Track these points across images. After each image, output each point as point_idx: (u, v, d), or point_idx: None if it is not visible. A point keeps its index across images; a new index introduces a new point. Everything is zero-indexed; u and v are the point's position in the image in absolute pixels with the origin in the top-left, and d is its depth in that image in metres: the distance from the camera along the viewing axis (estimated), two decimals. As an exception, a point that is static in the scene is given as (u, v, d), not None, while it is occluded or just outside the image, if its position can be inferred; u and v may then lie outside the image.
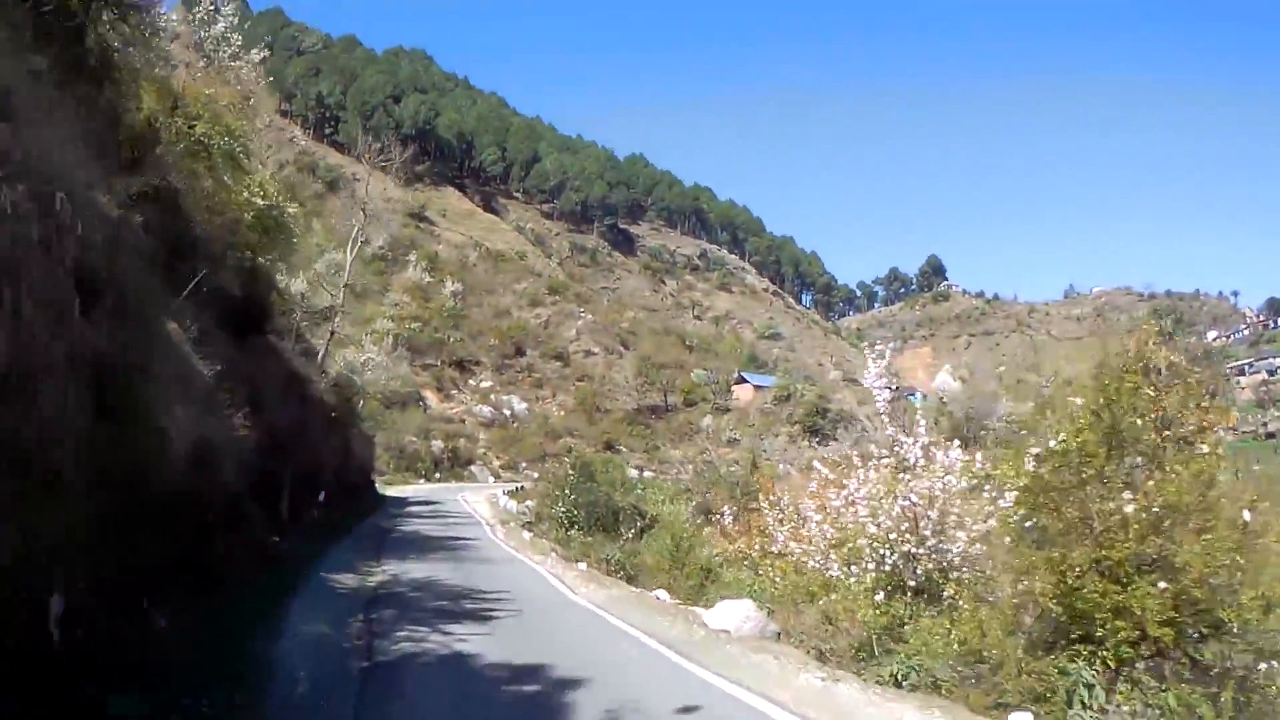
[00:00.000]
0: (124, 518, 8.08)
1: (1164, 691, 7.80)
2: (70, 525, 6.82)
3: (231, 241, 21.29)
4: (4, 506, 6.00)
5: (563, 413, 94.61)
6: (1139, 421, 8.91)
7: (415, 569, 17.61)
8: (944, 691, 9.22)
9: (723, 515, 19.60)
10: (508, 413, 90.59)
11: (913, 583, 12.16)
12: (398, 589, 15.24)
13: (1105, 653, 8.21)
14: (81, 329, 7.63)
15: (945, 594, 11.62)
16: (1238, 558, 8.04)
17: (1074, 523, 8.76)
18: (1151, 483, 8.54)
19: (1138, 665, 8.13)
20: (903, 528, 12.24)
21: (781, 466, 77.89)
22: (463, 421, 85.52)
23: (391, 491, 51.93)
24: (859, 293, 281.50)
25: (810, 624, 12.18)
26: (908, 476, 12.62)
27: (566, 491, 29.25)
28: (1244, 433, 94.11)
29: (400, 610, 13.08)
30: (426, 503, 43.33)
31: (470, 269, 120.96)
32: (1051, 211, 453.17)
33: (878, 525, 12.55)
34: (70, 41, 13.58)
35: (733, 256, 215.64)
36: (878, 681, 9.61)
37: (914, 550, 12.14)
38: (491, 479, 76.08)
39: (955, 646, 9.79)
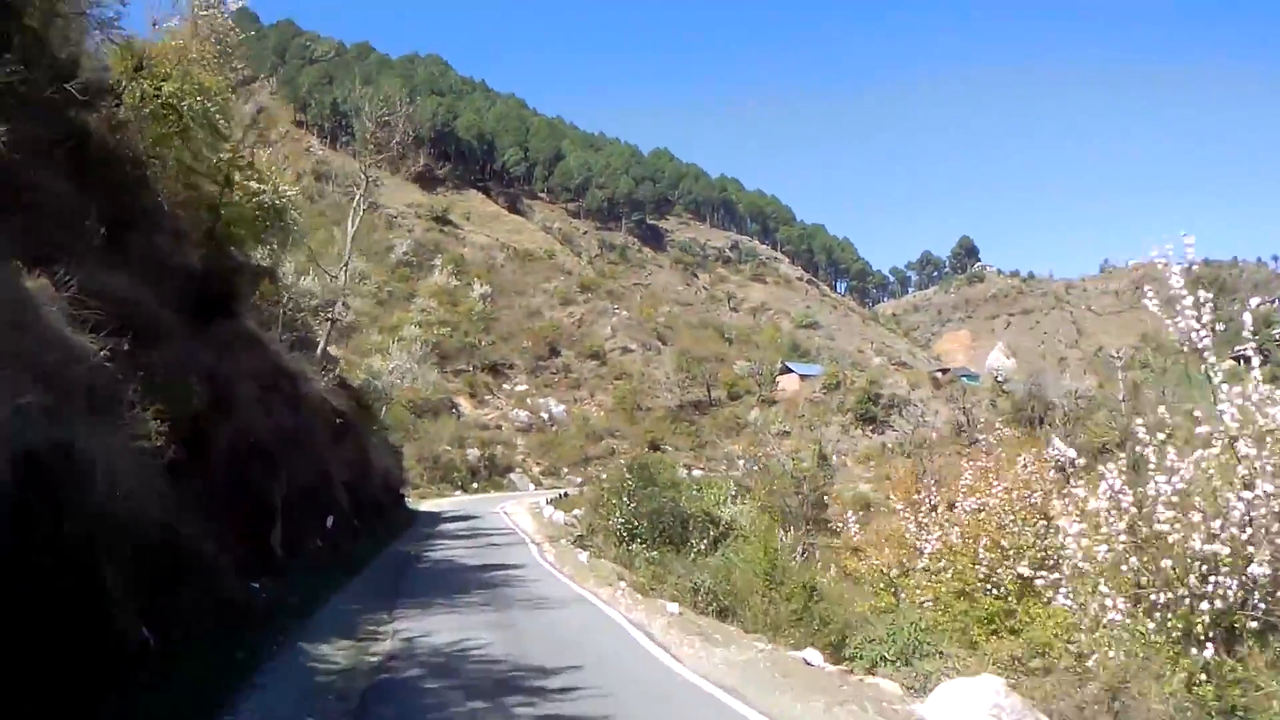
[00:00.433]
0: None
1: None
2: None
3: (202, 213, 17.18)
4: None
5: (602, 413, 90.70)
6: None
7: (441, 626, 12.69)
8: None
9: (847, 522, 14.48)
10: (545, 416, 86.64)
11: (1254, 624, 7.51)
12: (409, 671, 10.15)
13: None
14: None
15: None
16: None
17: None
18: None
19: None
20: (1244, 536, 7.55)
21: (835, 458, 73.44)
22: (499, 428, 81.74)
23: (425, 506, 47.76)
24: (892, 278, 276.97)
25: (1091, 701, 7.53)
26: (1259, 452, 7.86)
27: (624, 499, 24.54)
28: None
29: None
30: (463, 518, 38.97)
31: (498, 270, 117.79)
32: (1083, 185, 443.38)
33: (1206, 533, 7.76)
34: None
35: (764, 247, 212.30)
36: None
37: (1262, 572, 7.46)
38: (532, 486, 72.16)
39: None
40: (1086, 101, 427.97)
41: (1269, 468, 7.66)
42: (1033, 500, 12.51)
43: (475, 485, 67.63)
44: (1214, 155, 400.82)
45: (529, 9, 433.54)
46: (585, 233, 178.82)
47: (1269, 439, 7.82)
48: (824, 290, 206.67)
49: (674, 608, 14.22)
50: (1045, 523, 12.31)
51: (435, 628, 12.61)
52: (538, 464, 79.10)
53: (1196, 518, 7.73)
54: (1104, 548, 8.30)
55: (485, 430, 78.92)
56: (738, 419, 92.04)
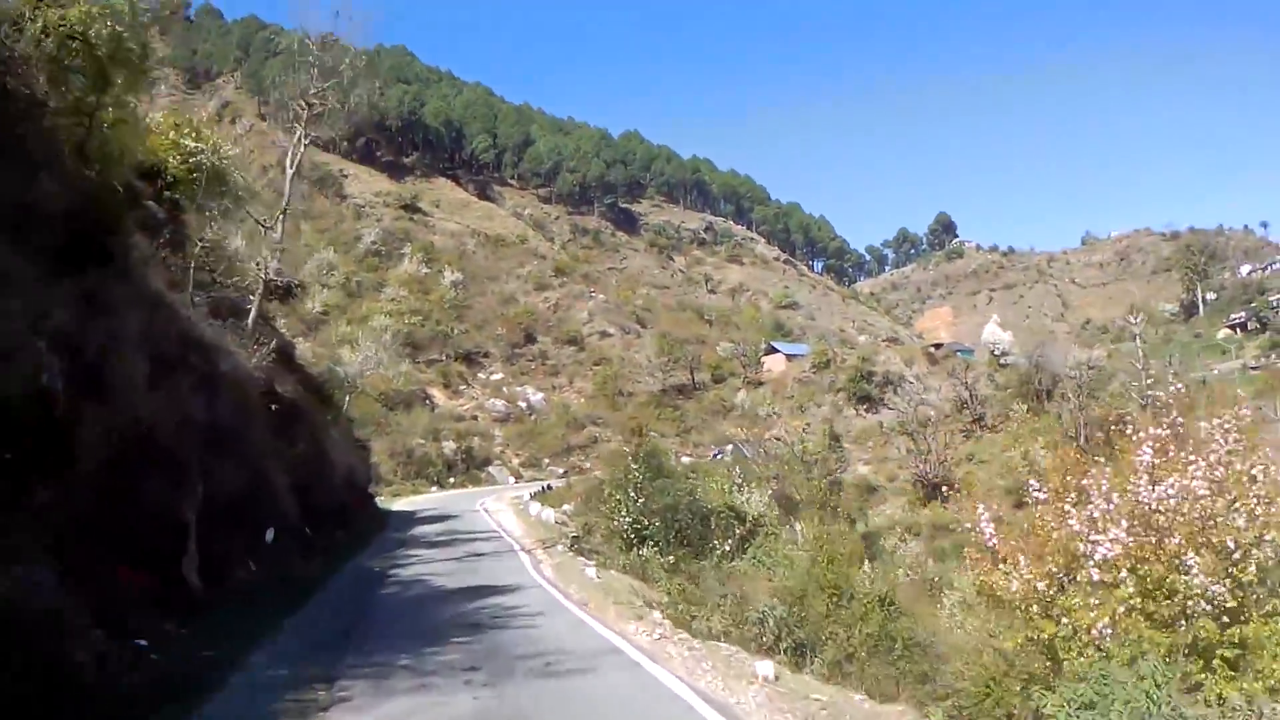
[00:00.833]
0: None
1: None
2: None
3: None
4: None
5: (583, 400, 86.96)
6: None
7: (407, 714, 8.49)
8: None
9: (980, 523, 10.33)
10: (523, 405, 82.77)
11: None
12: None
13: None
14: None
15: None
16: None
17: None
18: None
19: None
20: None
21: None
22: (475, 419, 77.80)
23: (398, 505, 43.76)
24: (868, 257, 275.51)
25: None
26: None
27: (630, 493, 20.44)
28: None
29: None
30: (439, 518, 34.89)
31: (469, 257, 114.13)
32: (1061, 158, 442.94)
33: None
34: None
35: (739, 227, 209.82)
36: None
37: None
38: (512, 479, 68.45)
39: None
40: (1061, 74, 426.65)
41: None
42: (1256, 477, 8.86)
43: (452, 480, 63.85)
44: (1193, 124, 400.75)
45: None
46: (557, 218, 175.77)
47: None
48: (801, 270, 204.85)
49: (766, 668, 9.68)
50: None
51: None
52: (517, 455, 75.46)
53: None
54: None
55: (461, 422, 75.12)
56: (724, 402, 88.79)
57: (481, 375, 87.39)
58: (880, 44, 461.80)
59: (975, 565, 9.81)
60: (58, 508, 8.70)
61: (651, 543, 19.06)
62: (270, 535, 16.10)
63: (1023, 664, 8.85)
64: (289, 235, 32.30)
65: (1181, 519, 8.62)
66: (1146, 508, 8.77)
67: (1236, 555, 8.42)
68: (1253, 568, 8.45)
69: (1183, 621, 8.39)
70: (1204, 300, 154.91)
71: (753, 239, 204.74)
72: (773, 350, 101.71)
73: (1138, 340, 58.71)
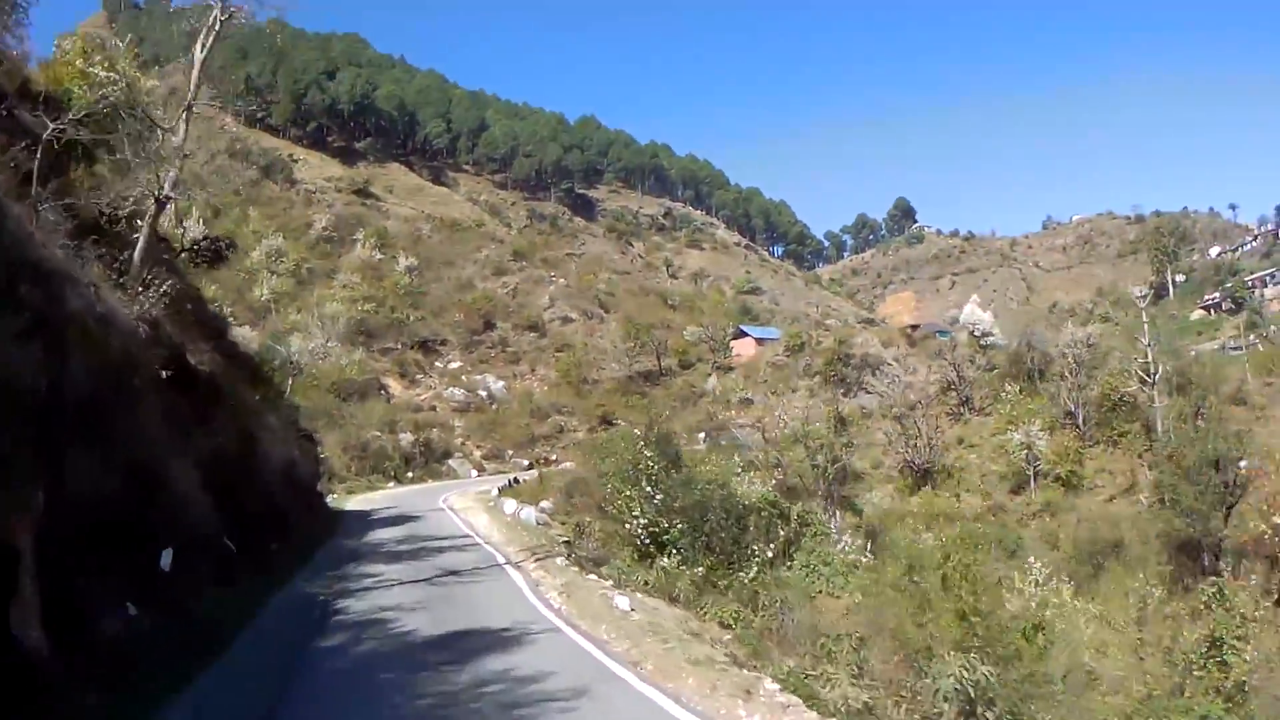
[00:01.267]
0: None
1: None
2: None
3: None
4: None
5: (546, 388, 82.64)
6: None
7: None
8: None
9: None
10: (484, 394, 78.36)
11: None
12: None
13: None
14: None
15: None
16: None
17: None
18: None
19: None
20: None
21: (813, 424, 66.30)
22: (433, 409, 73.32)
23: (352, 504, 39.33)
24: (827, 243, 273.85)
25: None
26: None
27: (645, 488, 16.01)
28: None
29: None
30: (400, 519, 30.37)
31: (424, 242, 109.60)
32: (1021, 141, 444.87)
33: None
34: None
35: (699, 213, 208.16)
36: None
37: None
38: (474, 472, 64.19)
39: None
40: (1020, 59, 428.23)
41: None
42: None
43: (410, 475, 59.35)
44: (1153, 109, 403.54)
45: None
46: (513, 203, 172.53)
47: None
48: (763, 255, 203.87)
49: None
50: None
51: None
52: (479, 447, 71.08)
53: None
54: None
55: (419, 412, 70.64)
56: (693, 388, 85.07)
57: (439, 363, 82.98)
58: (839, 30, 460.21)
59: None
60: None
61: (674, 550, 14.86)
62: (167, 559, 11.46)
63: None
64: (201, 142, 28.20)
65: None
66: None
67: None
68: None
69: None
70: (1174, 282, 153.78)
71: (713, 224, 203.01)
72: (742, 334, 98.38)
73: (1143, 316, 55.62)
